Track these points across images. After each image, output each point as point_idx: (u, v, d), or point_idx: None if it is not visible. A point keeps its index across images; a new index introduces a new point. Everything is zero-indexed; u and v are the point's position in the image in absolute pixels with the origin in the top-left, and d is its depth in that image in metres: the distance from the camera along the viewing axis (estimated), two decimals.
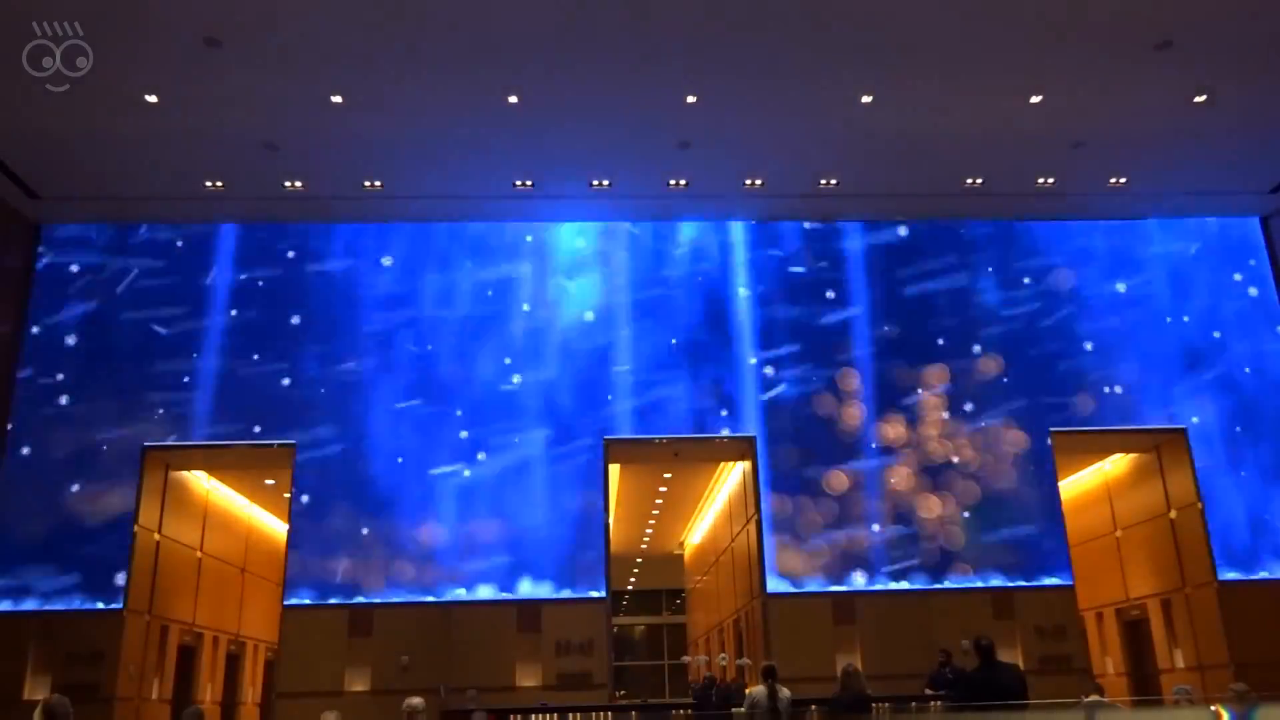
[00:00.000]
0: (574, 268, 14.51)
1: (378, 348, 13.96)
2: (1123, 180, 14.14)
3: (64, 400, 13.51)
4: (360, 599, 12.92)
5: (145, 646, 13.23)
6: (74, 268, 14.15)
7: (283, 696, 12.54)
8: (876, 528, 13.36)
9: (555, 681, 12.72)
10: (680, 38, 10.99)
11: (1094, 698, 9.08)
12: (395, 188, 13.75)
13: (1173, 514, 14.16)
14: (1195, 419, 13.96)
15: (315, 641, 12.68)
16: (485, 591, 13.06)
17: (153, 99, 11.69)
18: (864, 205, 14.57)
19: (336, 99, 11.83)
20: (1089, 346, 14.29)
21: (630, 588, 29.29)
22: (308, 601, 12.88)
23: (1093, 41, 11.24)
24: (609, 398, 13.87)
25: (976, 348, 14.27)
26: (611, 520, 13.94)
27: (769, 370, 14.03)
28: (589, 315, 14.24)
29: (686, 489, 18.38)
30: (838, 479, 13.53)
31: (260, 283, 14.19)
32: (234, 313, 14.03)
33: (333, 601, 12.89)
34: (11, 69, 10.50)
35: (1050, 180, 14.07)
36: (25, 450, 13.27)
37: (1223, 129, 12.87)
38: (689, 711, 14.93)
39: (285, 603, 12.91)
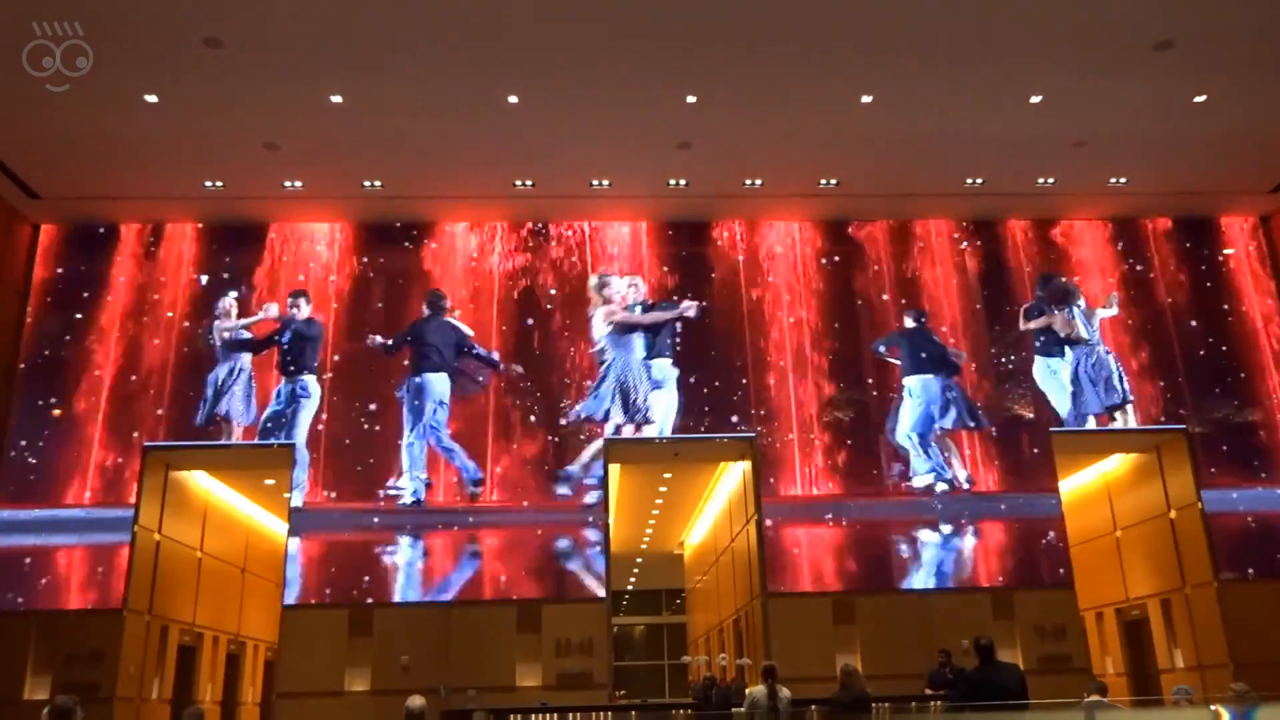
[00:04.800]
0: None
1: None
2: (1123, 180, 14.15)
3: (64, 400, 13.54)
4: (360, 599, 12.93)
5: (145, 646, 13.23)
6: (74, 267, 14.19)
7: (283, 696, 12.54)
8: None
9: (555, 681, 12.71)
10: (680, 38, 10.98)
11: (1095, 697, 9.07)
12: (395, 188, 13.76)
13: (1172, 514, 14.16)
14: None
15: (315, 641, 12.68)
16: (485, 591, 13.08)
17: (153, 99, 11.69)
18: (864, 205, 14.59)
19: (336, 99, 11.83)
20: None
21: (630, 588, 29.28)
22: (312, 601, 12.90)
23: (1093, 41, 11.24)
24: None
25: None
26: (612, 520, 13.94)
27: None
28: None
29: (686, 489, 18.38)
30: None
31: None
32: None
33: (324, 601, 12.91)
34: (11, 69, 10.50)
35: (1050, 180, 14.07)
36: (25, 449, 13.29)
37: (1223, 129, 12.86)
38: (689, 711, 14.93)
39: (285, 603, 12.92)
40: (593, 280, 14.34)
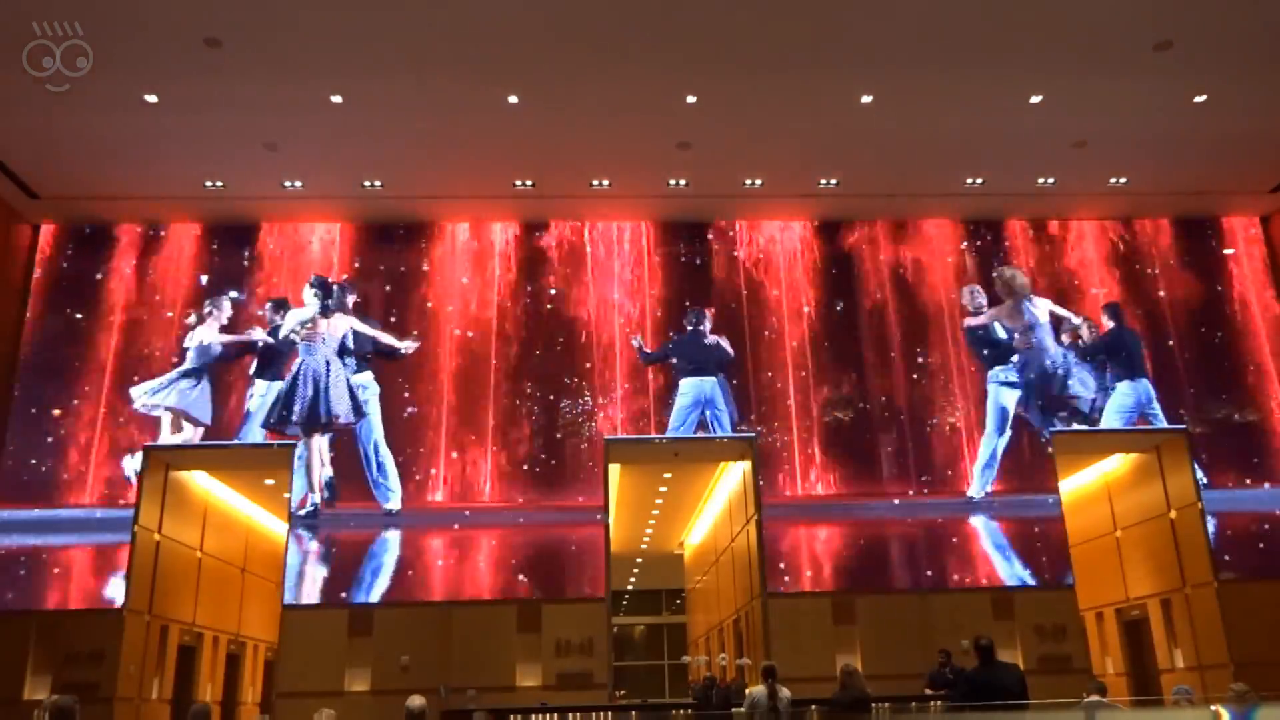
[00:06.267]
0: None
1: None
2: (1123, 180, 14.15)
3: (64, 400, 13.53)
4: (360, 599, 12.93)
5: (145, 646, 13.23)
6: (74, 267, 14.19)
7: (283, 696, 12.53)
8: None
9: (555, 681, 12.71)
10: (680, 38, 10.99)
11: (1095, 697, 9.06)
12: (395, 188, 13.76)
13: (1172, 514, 14.15)
14: None
15: (315, 641, 12.68)
16: (485, 591, 13.08)
17: (153, 99, 11.69)
18: (864, 205, 14.59)
19: (336, 99, 11.83)
20: None
21: (630, 588, 29.28)
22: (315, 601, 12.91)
23: (1093, 41, 11.24)
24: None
25: None
26: (612, 520, 13.93)
27: None
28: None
29: (686, 489, 18.38)
30: None
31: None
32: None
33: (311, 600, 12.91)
34: (11, 69, 10.50)
35: (1050, 180, 14.07)
36: (25, 449, 13.28)
37: (1223, 129, 12.86)
38: (689, 711, 14.93)
39: (285, 602, 12.92)
40: (1004, 273, 14.45)
